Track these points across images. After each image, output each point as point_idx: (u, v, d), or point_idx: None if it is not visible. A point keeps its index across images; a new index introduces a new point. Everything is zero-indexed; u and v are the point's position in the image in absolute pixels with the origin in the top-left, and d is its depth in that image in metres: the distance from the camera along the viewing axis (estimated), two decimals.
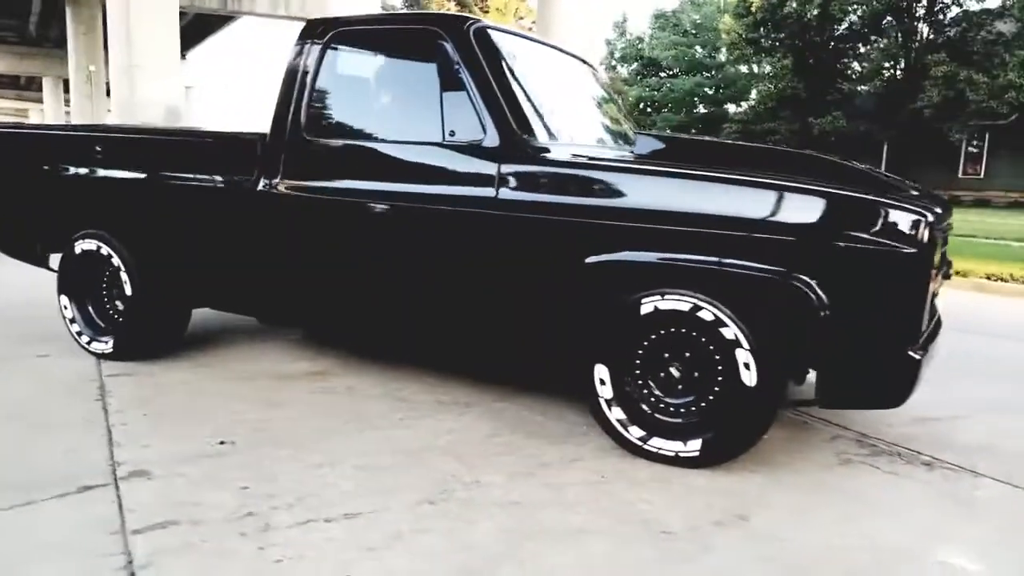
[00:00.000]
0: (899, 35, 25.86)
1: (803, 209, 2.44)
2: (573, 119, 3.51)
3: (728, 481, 2.55)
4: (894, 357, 2.39)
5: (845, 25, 27.19)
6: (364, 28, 3.26)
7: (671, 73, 36.48)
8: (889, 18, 25.88)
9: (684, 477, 2.56)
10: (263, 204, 3.32)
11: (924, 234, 2.31)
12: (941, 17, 25.47)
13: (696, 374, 2.61)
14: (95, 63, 27.55)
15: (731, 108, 35.58)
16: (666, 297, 2.55)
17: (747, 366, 2.45)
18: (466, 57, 2.93)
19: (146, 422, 2.95)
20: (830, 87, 26.96)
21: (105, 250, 3.70)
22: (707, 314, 2.49)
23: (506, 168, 2.82)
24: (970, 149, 25.39)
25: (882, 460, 2.81)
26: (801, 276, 2.36)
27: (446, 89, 2.95)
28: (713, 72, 36.04)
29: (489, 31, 3.09)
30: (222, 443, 2.75)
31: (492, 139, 2.85)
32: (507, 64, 3.03)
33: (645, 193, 2.65)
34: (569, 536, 2.15)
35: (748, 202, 2.49)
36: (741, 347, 2.45)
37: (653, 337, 2.65)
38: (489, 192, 2.83)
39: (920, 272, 2.34)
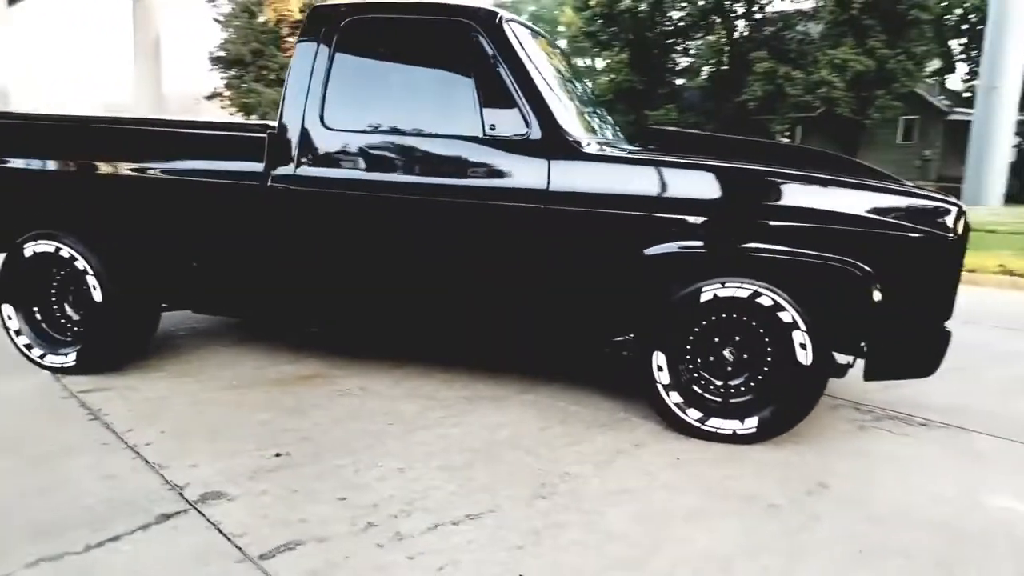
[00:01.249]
0: (724, 32, 27.92)
1: (864, 204, 2.66)
2: (582, 111, 3.57)
3: (785, 454, 2.74)
4: (935, 331, 2.69)
5: (674, 21, 28.94)
6: (382, 17, 3.13)
7: None
8: (714, 17, 27.85)
9: (748, 453, 2.73)
10: (273, 199, 3.11)
11: (962, 223, 2.62)
12: (758, 16, 27.78)
13: (746, 356, 2.79)
14: None
15: None
16: (726, 285, 2.70)
17: (803, 346, 2.65)
18: (503, 52, 2.92)
19: (172, 440, 2.71)
20: (663, 81, 28.62)
21: (66, 252, 3.30)
22: (766, 300, 2.66)
23: (556, 162, 2.84)
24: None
25: (889, 424, 3.13)
26: (860, 264, 2.58)
27: (482, 83, 2.92)
28: None
29: (515, 24, 3.09)
30: (279, 455, 2.59)
31: (536, 133, 2.87)
32: (535, 58, 3.05)
33: (707, 186, 2.78)
34: (696, 516, 2.24)
35: (818, 197, 2.70)
36: (798, 329, 2.65)
37: (704, 323, 2.80)
38: (540, 184, 2.84)
39: (959, 255, 2.66)
